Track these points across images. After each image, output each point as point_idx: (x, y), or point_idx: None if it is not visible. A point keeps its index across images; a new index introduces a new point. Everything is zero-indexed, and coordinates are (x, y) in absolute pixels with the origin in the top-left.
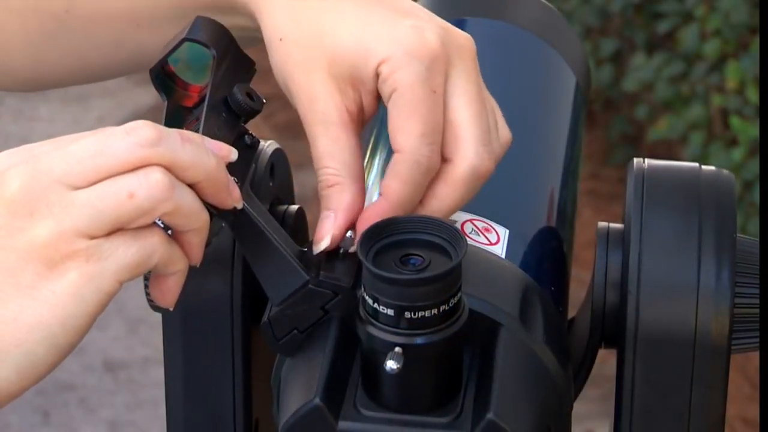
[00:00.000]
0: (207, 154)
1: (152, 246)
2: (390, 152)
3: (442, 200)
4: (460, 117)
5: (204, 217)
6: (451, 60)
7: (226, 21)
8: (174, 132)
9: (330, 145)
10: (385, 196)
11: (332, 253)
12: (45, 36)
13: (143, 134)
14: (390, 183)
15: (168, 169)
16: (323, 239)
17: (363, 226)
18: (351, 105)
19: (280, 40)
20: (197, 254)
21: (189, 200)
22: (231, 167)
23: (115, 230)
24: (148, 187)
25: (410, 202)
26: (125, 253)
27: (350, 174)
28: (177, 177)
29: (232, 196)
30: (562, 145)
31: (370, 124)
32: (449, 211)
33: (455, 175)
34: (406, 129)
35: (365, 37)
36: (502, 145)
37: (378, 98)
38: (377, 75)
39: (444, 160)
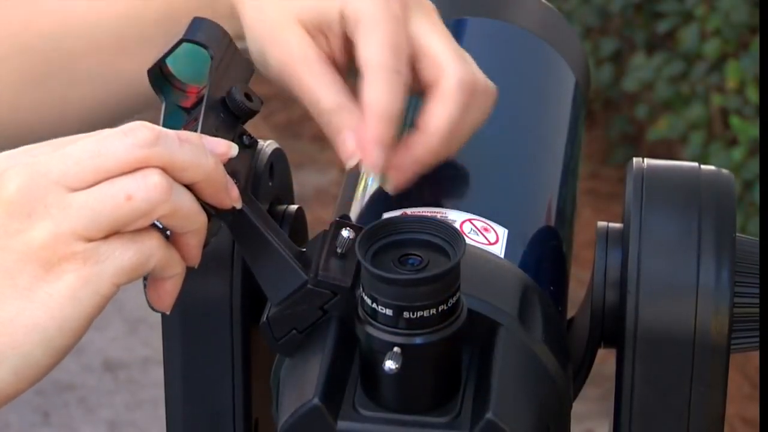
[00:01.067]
0: (205, 155)
1: (150, 249)
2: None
3: (437, 117)
4: (431, 42)
5: (202, 218)
6: (410, 5)
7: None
8: (172, 132)
9: (318, 78)
10: (365, 109)
11: (331, 253)
12: (29, 80)
13: (141, 135)
14: (364, 96)
15: (166, 170)
16: (352, 156)
17: (361, 144)
18: (326, 50)
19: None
20: (195, 256)
21: (187, 202)
22: (230, 167)
23: (113, 232)
24: (146, 190)
25: (390, 108)
26: (122, 256)
27: (350, 99)
28: (175, 178)
29: (231, 196)
30: (561, 145)
31: None
32: (446, 128)
33: (444, 90)
34: (370, 43)
35: None
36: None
37: (345, 43)
38: (342, 17)
39: (431, 84)
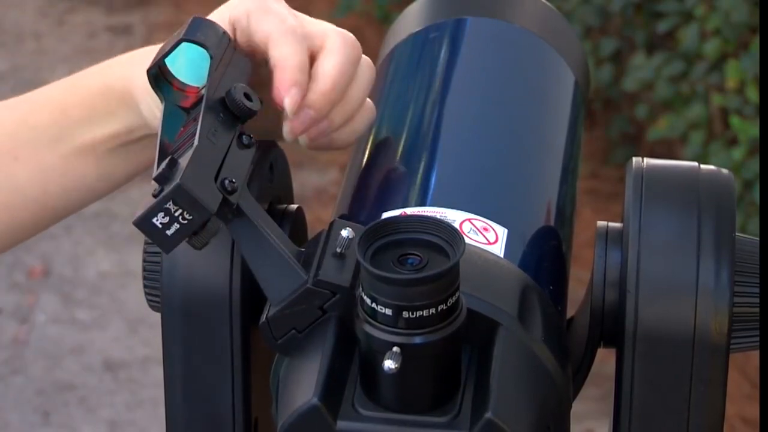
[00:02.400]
0: None
1: None
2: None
3: (325, 64)
4: (313, 23)
5: None
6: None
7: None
8: None
9: None
10: (275, 64)
11: (331, 253)
12: None
13: None
14: (273, 56)
15: None
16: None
17: (279, 91)
18: None
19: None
20: None
21: None
22: (231, 167)
23: None
24: None
25: (300, 59)
26: None
27: None
28: None
29: None
30: (561, 144)
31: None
32: (336, 73)
33: (331, 46)
34: (268, 22)
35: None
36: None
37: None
38: (234, 27)
39: (319, 50)
